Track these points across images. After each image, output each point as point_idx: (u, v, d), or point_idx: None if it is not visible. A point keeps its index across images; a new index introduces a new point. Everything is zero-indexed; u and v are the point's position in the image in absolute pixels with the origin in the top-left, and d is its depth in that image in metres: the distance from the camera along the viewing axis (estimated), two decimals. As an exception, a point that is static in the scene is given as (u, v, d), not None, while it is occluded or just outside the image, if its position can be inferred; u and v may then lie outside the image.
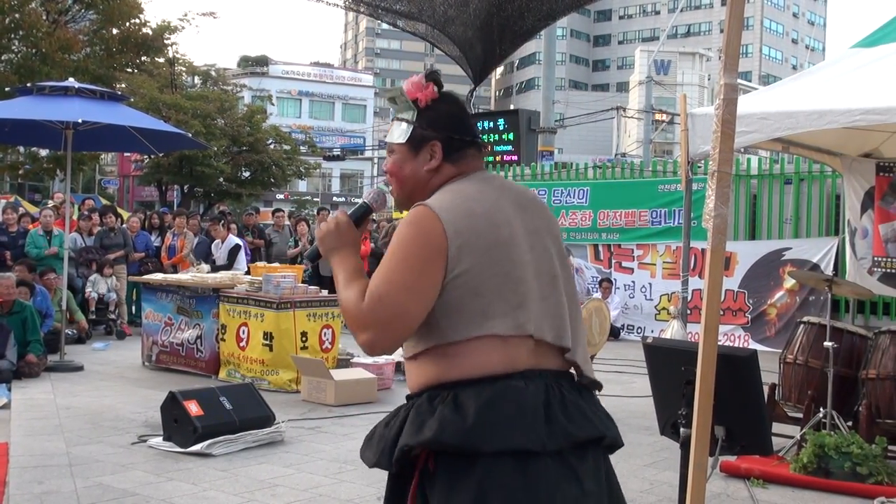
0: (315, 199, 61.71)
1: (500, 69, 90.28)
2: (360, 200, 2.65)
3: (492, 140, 21.44)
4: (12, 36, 26.79)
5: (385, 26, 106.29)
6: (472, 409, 2.16)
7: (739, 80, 3.44)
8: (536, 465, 2.16)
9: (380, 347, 2.30)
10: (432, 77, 2.52)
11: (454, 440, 2.15)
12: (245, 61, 76.17)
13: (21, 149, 29.25)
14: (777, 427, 6.17)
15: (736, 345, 12.48)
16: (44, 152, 28.26)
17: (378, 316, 2.26)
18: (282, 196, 57.33)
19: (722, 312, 12.45)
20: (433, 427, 2.17)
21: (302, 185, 64.15)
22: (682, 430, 3.92)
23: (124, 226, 14.16)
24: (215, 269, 11.66)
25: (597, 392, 2.49)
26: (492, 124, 21.93)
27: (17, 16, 25.77)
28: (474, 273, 2.25)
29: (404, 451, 2.22)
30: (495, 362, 2.23)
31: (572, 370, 2.41)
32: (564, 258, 2.50)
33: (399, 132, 2.47)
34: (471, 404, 2.17)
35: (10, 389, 8.12)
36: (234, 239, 13.74)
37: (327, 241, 2.51)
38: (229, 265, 12.80)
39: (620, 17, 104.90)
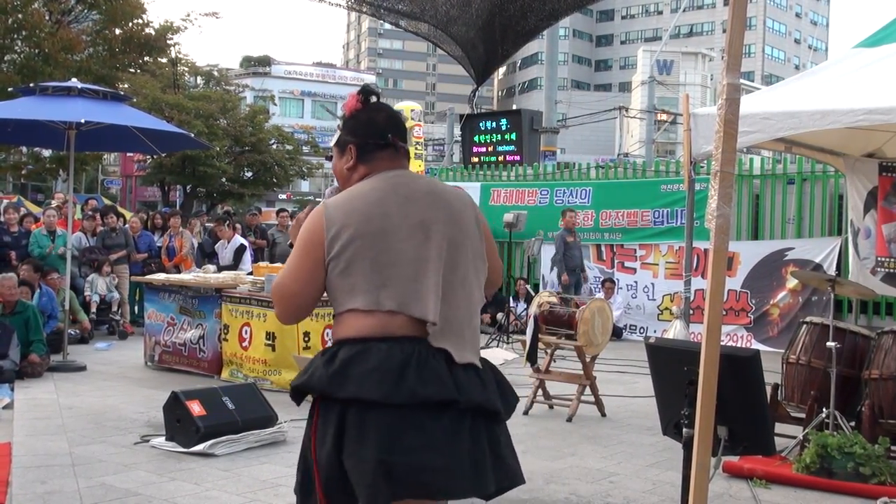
0: (317, 199, 61.60)
1: (502, 69, 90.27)
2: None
3: (494, 140, 21.45)
4: (15, 36, 26.81)
5: (388, 26, 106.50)
6: (338, 363, 2.65)
7: (742, 80, 3.43)
8: (376, 414, 2.57)
9: (282, 318, 2.95)
10: (362, 91, 3.00)
11: (317, 385, 2.68)
12: (247, 61, 76.22)
13: (24, 149, 29.29)
14: (780, 427, 6.16)
15: (738, 345, 12.47)
16: (46, 152, 28.31)
17: (274, 295, 2.88)
18: (284, 196, 57.35)
19: (724, 312, 12.48)
20: (308, 373, 2.73)
21: (304, 186, 64.17)
22: (684, 430, 3.92)
23: (126, 226, 14.17)
24: (221, 269, 11.66)
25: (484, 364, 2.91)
26: (494, 124, 21.93)
27: (19, 16, 25.79)
28: (345, 258, 2.70)
29: (292, 389, 2.83)
30: (368, 327, 2.68)
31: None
32: (459, 245, 2.84)
33: (333, 138, 3.03)
34: (339, 358, 2.65)
35: (13, 389, 8.13)
36: (239, 239, 13.76)
37: (293, 234, 2.94)
38: (235, 265, 12.83)
39: (623, 17, 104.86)
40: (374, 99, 3.01)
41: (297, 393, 2.83)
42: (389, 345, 2.65)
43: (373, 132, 2.93)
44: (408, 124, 24.88)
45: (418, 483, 2.59)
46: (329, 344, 2.86)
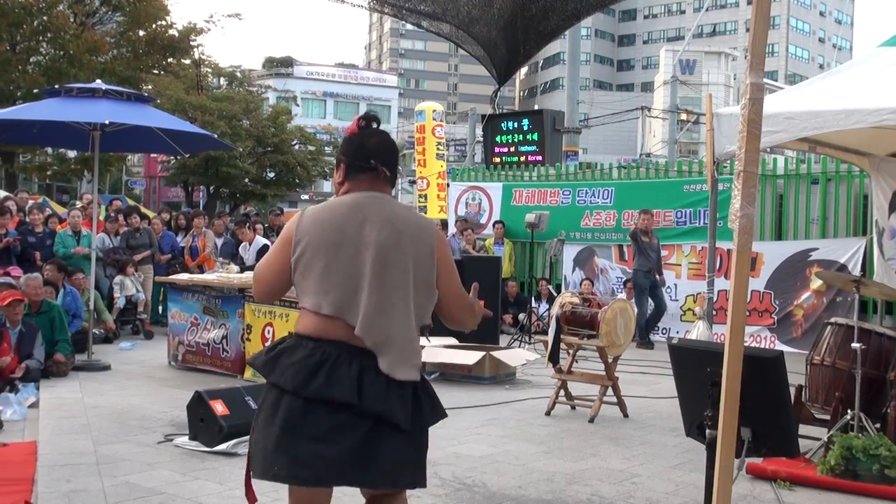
0: (339, 200, 61.78)
1: (524, 69, 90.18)
2: None
3: (516, 140, 21.42)
4: (40, 38, 27.08)
5: (409, 27, 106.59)
6: (275, 351, 3.18)
7: (765, 80, 3.41)
8: (288, 400, 3.04)
9: (255, 296, 3.57)
10: (364, 116, 3.38)
11: (256, 365, 3.26)
12: (270, 62, 76.52)
13: (49, 150, 29.56)
14: (804, 429, 6.12)
15: (762, 346, 12.40)
16: (71, 153, 28.54)
17: (254, 277, 3.43)
18: (306, 196, 57.51)
19: (748, 313, 12.41)
20: (258, 354, 3.28)
21: (326, 186, 64.28)
22: (707, 431, 3.90)
23: (149, 226, 14.26)
24: (244, 270, 11.71)
25: (407, 379, 3.13)
26: (516, 124, 21.90)
27: (45, 18, 26.05)
28: (304, 261, 3.17)
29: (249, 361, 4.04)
30: (309, 326, 3.17)
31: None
32: (403, 270, 3.17)
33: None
34: (278, 348, 3.19)
35: (38, 388, 8.19)
36: (261, 240, 13.83)
37: None
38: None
39: (645, 17, 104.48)
40: (373, 125, 3.36)
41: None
42: (316, 345, 3.09)
43: (360, 155, 3.27)
44: (430, 125, 24.96)
45: (312, 468, 3.03)
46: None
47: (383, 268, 3.12)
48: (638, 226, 13.47)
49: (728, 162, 9.13)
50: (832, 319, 6.98)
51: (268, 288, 3.37)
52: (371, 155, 3.26)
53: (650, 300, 13.42)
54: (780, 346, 12.07)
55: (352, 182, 3.28)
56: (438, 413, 3.26)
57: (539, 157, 20.27)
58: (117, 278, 12.67)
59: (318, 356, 3.06)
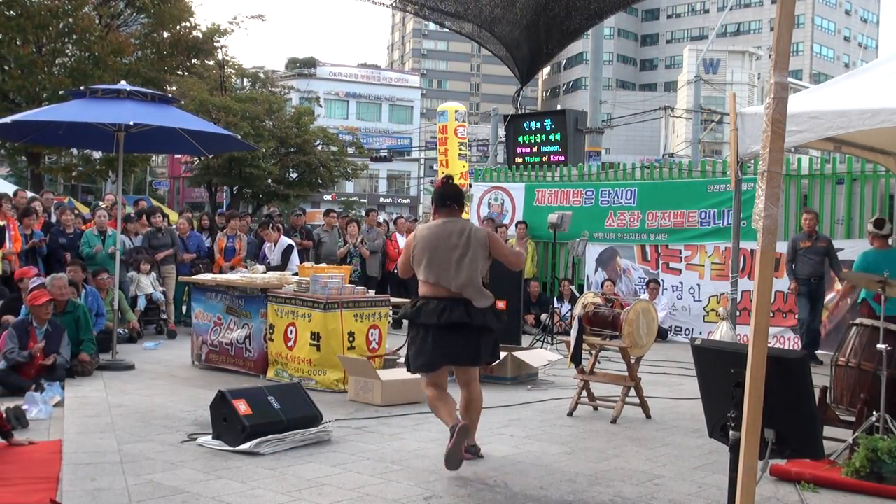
0: (362, 200, 62.05)
1: (546, 69, 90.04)
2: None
3: (539, 140, 21.38)
4: (66, 40, 27.26)
5: (432, 27, 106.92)
6: (415, 308, 6.01)
7: (790, 79, 3.39)
8: (428, 330, 5.93)
9: (403, 276, 6.52)
10: (445, 177, 6.37)
11: (408, 316, 6.13)
12: (293, 63, 76.79)
13: (74, 151, 29.75)
14: (828, 431, 6.08)
15: (786, 347, 12.32)
16: (97, 154, 28.71)
17: (399, 268, 6.53)
18: (329, 197, 57.69)
19: (772, 314, 12.34)
20: (404, 311, 6.54)
21: (349, 186, 64.53)
22: (731, 432, 3.89)
23: (172, 226, 14.34)
24: (269, 270, 11.76)
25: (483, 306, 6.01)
26: (539, 125, 21.87)
27: (70, 20, 26.23)
28: (418, 256, 6.03)
29: (398, 317, 10.59)
30: (427, 292, 5.99)
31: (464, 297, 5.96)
32: (477, 253, 6.03)
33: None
34: (416, 305, 6.00)
35: (63, 387, 8.25)
36: (285, 240, 13.89)
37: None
38: (284, 266, 12.94)
39: (669, 16, 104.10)
40: (450, 181, 6.34)
41: (399, 320, 10.40)
42: (437, 300, 5.95)
43: (441, 200, 6.19)
44: (452, 125, 25.00)
45: (447, 356, 6.01)
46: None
47: (461, 256, 5.97)
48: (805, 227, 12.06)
49: (752, 162, 9.08)
50: (857, 320, 6.93)
51: (405, 272, 6.31)
52: (447, 198, 6.19)
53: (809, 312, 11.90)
54: (804, 348, 11.98)
55: (438, 213, 6.21)
56: (501, 321, 6.34)
57: (562, 158, 20.23)
58: (130, 274, 12.69)
59: (441, 305, 5.92)
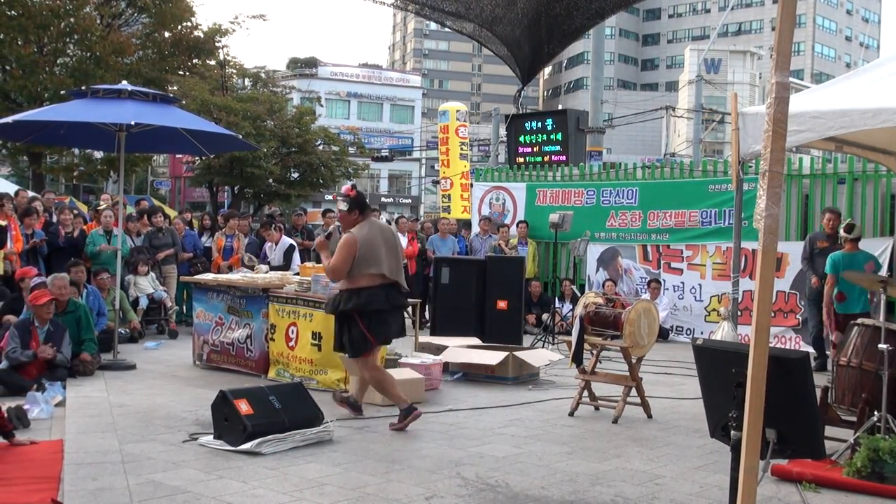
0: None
1: (548, 69, 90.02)
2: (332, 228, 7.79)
3: (540, 140, 21.37)
4: (67, 40, 27.31)
5: (433, 27, 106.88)
6: (363, 296, 7.10)
7: (791, 79, 3.39)
8: (380, 315, 7.21)
9: (337, 278, 7.27)
10: (353, 186, 7.54)
11: (356, 307, 7.12)
12: (294, 63, 76.78)
13: (76, 151, 29.78)
14: (830, 431, 6.09)
15: (787, 347, 12.31)
16: (98, 154, 28.75)
17: (335, 272, 7.21)
18: (330, 197, 57.62)
19: (773, 314, 12.32)
20: (350, 302, 7.12)
21: (349, 186, 64.38)
22: (732, 432, 3.88)
23: (172, 226, 14.35)
24: (272, 270, 11.76)
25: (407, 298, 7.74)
26: (540, 124, 21.85)
27: (72, 20, 26.27)
28: (371, 254, 7.10)
29: (342, 310, 7.20)
30: (371, 281, 7.12)
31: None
32: (395, 248, 7.38)
33: (343, 205, 7.40)
34: (363, 294, 7.11)
35: (65, 387, 8.26)
36: (287, 240, 13.89)
37: (322, 247, 7.61)
38: (286, 266, 12.93)
39: (670, 16, 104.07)
40: (355, 188, 7.49)
41: (343, 312, 7.22)
42: (381, 287, 7.13)
43: (364, 205, 7.41)
44: (453, 125, 24.98)
45: (398, 332, 7.46)
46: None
47: (397, 248, 7.38)
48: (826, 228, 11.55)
49: (753, 161, 9.08)
50: (859, 320, 6.92)
51: (339, 274, 7.15)
52: (367, 203, 7.57)
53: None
54: (805, 347, 11.99)
55: (364, 215, 7.34)
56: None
57: (563, 157, 20.21)
58: (128, 277, 12.66)
59: (384, 291, 7.16)
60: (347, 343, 7.21)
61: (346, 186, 7.50)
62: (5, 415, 6.32)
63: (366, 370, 7.31)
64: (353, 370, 7.90)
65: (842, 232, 10.25)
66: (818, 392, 5.27)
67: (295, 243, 14.04)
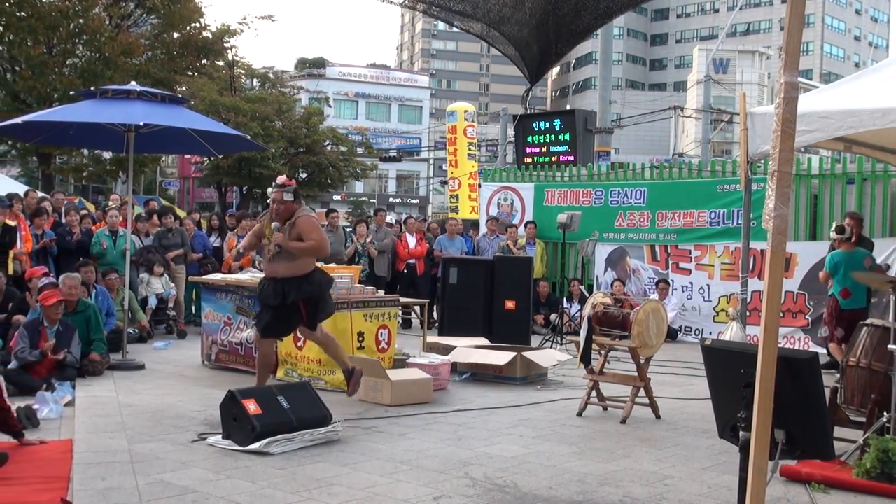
0: (371, 200, 62.11)
1: (556, 69, 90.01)
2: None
3: (548, 140, 21.36)
4: (77, 41, 27.38)
5: (441, 27, 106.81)
6: (314, 284, 7.44)
7: (800, 79, 3.39)
8: (323, 298, 7.50)
9: (327, 252, 7.70)
10: (289, 176, 8.44)
11: (310, 296, 7.36)
12: (302, 63, 76.82)
13: (85, 151, 29.85)
14: (839, 431, 6.07)
15: (796, 347, 12.29)
16: (107, 155, 28.82)
17: (323, 244, 7.37)
18: (338, 197, 57.71)
19: (782, 314, 12.30)
20: (302, 292, 7.28)
21: (358, 186, 64.55)
22: (741, 433, 3.88)
23: (182, 227, 14.38)
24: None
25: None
26: (548, 125, 21.84)
27: (81, 21, 26.33)
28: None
29: (293, 301, 7.30)
30: (311, 267, 7.44)
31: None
32: None
33: (289, 196, 7.34)
34: (313, 283, 7.44)
35: (74, 387, 8.28)
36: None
37: (283, 241, 7.25)
38: None
39: (678, 16, 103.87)
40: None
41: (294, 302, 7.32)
42: (318, 270, 7.56)
43: (298, 193, 7.50)
44: (461, 125, 24.97)
45: (328, 312, 7.64)
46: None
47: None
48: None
49: (762, 161, 9.06)
50: (868, 321, 6.90)
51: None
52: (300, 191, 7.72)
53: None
54: (814, 348, 11.96)
55: (299, 204, 7.44)
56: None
57: (571, 158, 20.20)
58: (142, 276, 12.72)
59: (322, 273, 7.48)
60: (286, 327, 7.61)
61: (283, 177, 7.55)
62: (15, 414, 6.34)
63: (268, 347, 7.64)
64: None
65: (833, 234, 10.33)
66: (827, 392, 5.26)
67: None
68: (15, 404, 6.75)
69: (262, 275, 10.27)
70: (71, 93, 21.29)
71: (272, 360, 7.83)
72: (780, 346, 3.43)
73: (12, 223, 11.49)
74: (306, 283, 7.30)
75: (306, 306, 7.34)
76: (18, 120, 10.22)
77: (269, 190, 7.59)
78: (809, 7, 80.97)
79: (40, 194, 15.10)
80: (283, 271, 7.30)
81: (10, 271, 11.21)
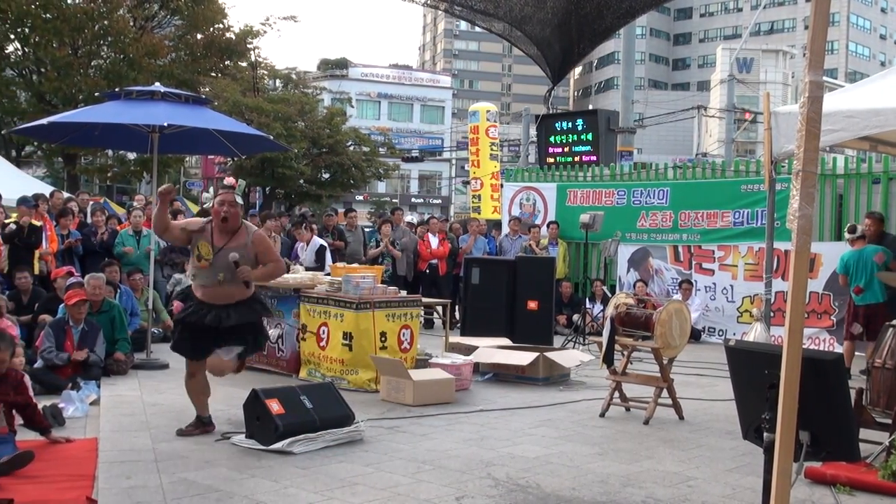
0: (394, 201, 62.17)
1: (578, 69, 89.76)
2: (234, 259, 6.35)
3: (570, 140, 21.33)
4: (101, 42, 27.55)
5: (464, 27, 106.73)
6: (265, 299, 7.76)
7: (825, 78, 3.36)
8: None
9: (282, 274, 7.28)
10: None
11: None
12: (325, 64, 77.03)
13: (109, 152, 30.04)
14: (864, 433, 6.02)
15: (821, 348, 12.20)
16: (131, 155, 28.98)
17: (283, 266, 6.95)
18: (361, 197, 57.82)
19: (806, 315, 12.21)
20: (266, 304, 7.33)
21: (381, 187, 64.66)
22: (765, 434, 3.85)
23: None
24: (310, 271, 11.78)
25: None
26: (570, 125, 21.80)
27: (105, 23, 26.50)
28: None
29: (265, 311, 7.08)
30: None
31: None
32: None
33: (240, 199, 5.53)
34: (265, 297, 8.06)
35: (99, 386, 8.34)
36: (317, 240, 13.92)
37: (255, 275, 6.48)
38: (320, 266, 12.97)
39: (701, 15, 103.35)
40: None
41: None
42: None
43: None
44: (483, 125, 24.94)
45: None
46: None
47: None
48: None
49: (786, 161, 9.01)
50: (894, 322, 6.85)
51: None
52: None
53: None
54: (839, 349, 11.86)
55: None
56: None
57: (593, 158, 20.16)
58: (175, 276, 12.83)
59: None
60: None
61: (230, 178, 6.99)
62: (41, 412, 6.40)
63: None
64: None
65: (846, 234, 10.39)
66: (853, 394, 5.22)
67: (325, 244, 14.09)
68: (41, 403, 6.81)
69: (284, 276, 10.28)
70: (96, 94, 21.45)
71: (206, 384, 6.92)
72: (804, 347, 3.41)
73: (38, 223, 11.60)
74: (258, 302, 6.82)
75: (251, 330, 6.74)
76: (44, 121, 10.30)
77: (205, 196, 6.64)
78: (834, 5, 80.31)
79: (66, 195, 15.23)
80: (237, 295, 6.55)
81: (36, 271, 11.31)
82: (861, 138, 7.92)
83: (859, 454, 4.30)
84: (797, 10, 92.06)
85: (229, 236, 6.49)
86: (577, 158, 20.28)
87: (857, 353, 10.99)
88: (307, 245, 13.85)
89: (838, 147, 11.22)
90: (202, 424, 6.66)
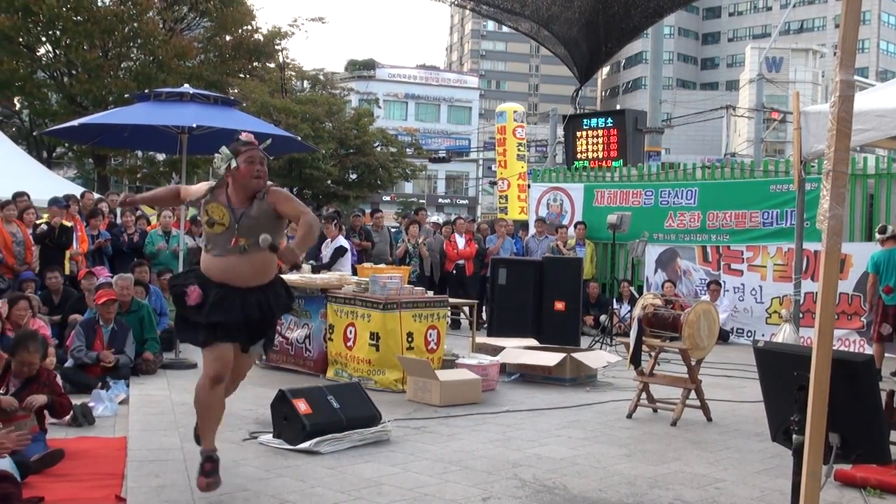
0: (421, 201, 62.26)
1: (606, 68, 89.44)
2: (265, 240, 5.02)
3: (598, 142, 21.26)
4: (131, 44, 27.80)
5: (491, 28, 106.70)
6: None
7: (856, 77, 3.33)
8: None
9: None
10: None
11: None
12: (352, 65, 77.27)
13: (139, 153, 30.30)
14: (895, 435, 5.95)
15: (851, 350, 12.08)
16: (160, 156, 29.22)
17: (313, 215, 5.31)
18: (388, 198, 57.94)
19: (836, 316, 12.11)
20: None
21: (408, 187, 64.76)
22: (794, 436, 3.82)
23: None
24: (317, 268, 11.80)
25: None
26: (598, 124, 21.74)
27: (135, 25, 26.74)
28: None
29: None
30: None
31: None
32: None
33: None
34: None
35: (128, 385, 8.41)
36: (340, 240, 13.92)
37: (300, 252, 5.21)
38: (330, 265, 12.98)
39: (730, 14, 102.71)
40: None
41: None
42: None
43: None
44: (510, 126, 24.94)
45: None
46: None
47: None
48: None
49: (816, 161, 8.94)
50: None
51: None
52: None
53: None
54: (869, 350, 11.75)
55: None
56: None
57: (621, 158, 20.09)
58: None
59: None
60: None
61: (247, 133, 5.40)
62: (70, 403, 6.50)
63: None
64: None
65: (877, 234, 10.32)
66: (884, 396, 5.17)
67: (347, 245, 14.08)
68: (72, 402, 6.87)
69: (311, 277, 10.33)
70: (125, 95, 21.66)
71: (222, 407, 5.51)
72: (834, 348, 3.38)
73: (69, 224, 11.71)
74: (285, 288, 5.57)
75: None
76: (75, 122, 10.42)
77: (223, 151, 5.35)
78: (865, 4, 79.63)
79: (97, 196, 15.36)
80: (266, 273, 5.30)
81: (67, 271, 11.42)
82: (892, 138, 7.84)
83: (890, 457, 4.25)
84: (827, 8, 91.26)
85: (248, 199, 5.27)
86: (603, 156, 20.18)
87: (887, 355, 10.91)
88: (332, 242, 13.85)
89: (869, 147, 11.12)
90: (211, 461, 5.10)
